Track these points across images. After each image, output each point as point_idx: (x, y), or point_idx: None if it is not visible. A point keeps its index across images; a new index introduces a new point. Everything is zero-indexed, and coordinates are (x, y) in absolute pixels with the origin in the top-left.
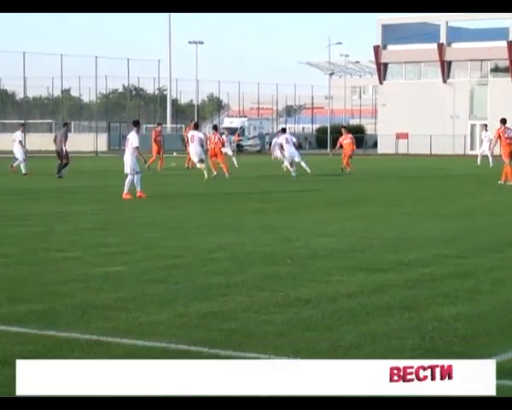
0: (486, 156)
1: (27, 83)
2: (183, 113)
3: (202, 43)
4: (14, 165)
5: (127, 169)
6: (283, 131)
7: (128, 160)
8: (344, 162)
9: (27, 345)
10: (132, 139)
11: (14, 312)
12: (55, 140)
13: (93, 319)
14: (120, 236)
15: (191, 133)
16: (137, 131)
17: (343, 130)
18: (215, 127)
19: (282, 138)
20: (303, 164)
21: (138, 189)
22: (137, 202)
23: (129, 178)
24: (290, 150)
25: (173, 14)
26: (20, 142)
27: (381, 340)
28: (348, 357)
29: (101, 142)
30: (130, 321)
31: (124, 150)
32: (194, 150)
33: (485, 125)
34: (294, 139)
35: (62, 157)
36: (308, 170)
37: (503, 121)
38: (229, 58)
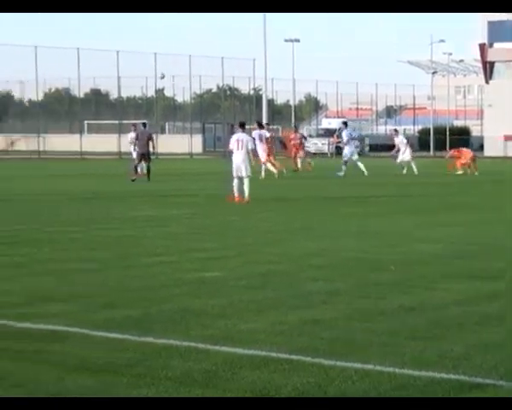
0: None
1: (121, 82)
2: (279, 113)
3: (299, 41)
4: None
5: (244, 172)
6: (345, 124)
7: (242, 162)
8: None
9: (127, 352)
10: (247, 141)
11: (110, 318)
12: (136, 140)
13: (191, 326)
14: (215, 240)
15: (257, 132)
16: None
17: None
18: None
19: (345, 133)
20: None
21: (246, 194)
22: (232, 205)
23: (247, 181)
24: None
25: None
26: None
27: (493, 350)
28: (457, 368)
29: (195, 143)
30: (229, 328)
31: (226, 152)
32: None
33: None
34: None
35: (147, 159)
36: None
37: None
38: (326, 57)
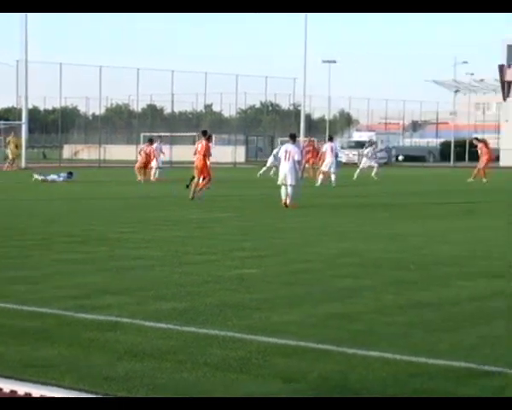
0: None
1: (174, 98)
2: (315, 127)
3: (335, 62)
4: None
5: (289, 181)
6: (330, 139)
7: (289, 171)
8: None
9: (170, 340)
10: (295, 152)
11: (158, 309)
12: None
13: (229, 317)
14: (255, 241)
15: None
16: (295, 143)
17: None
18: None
19: (327, 146)
20: (332, 176)
21: (288, 200)
22: (273, 209)
23: (291, 189)
24: (330, 160)
25: (309, 35)
26: (155, 151)
27: (501, 341)
28: (468, 358)
29: (239, 154)
30: (264, 320)
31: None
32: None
33: None
34: (338, 149)
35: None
36: (333, 183)
37: None
38: (359, 76)
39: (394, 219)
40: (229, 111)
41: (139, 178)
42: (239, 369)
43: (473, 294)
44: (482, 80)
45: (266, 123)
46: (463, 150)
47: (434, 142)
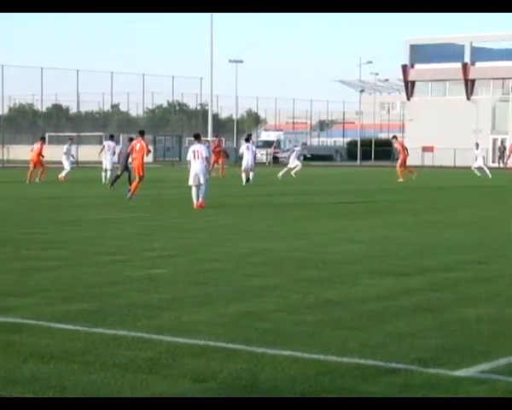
0: (482, 169)
1: (80, 98)
2: (223, 127)
3: (242, 62)
4: (62, 175)
5: (203, 179)
6: (247, 140)
7: (200, 170)
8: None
9: (78, 342)
10: (202, 150)
11: (66, 311)
12: (119, 154)
13: (138, 318)
14: (164, 241)
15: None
16: (201, 143)
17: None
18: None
19: (243, 147)
20: (243, 175)
21: (201, 199)
22: (182, 209)
23: (203, 188)
24: (248, 158)
25: (215, 35)
26: (66, 153)
27: (406, 339)
28: (375, 355)
29: None
30: (173, 320)
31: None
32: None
33: (477, 144)
34: (254, 149)
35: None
36: (243, 182)
37: None
38: (266, 76)
39: (303, 218)
40: (136, 111)
41: (36, 179)
42: (148, 370)
43: (380, 292)
44: (386, 80)
45: (174, 123)
46: (370, 149)
47: (341, 141)
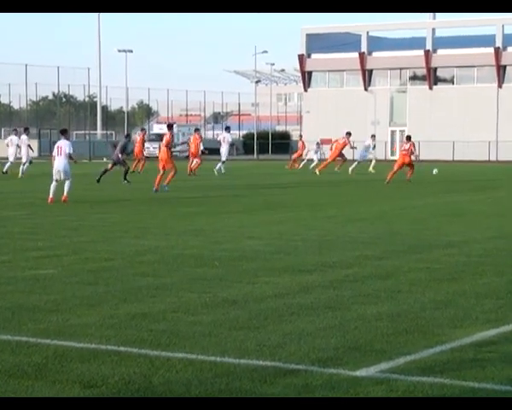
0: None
1: None
2: (113, 119)
3: (131, 51)
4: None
5: (64, 175)
6: (227, 129)
7: (63, 166)
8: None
9: None
10: (65, 147)
11: None
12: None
13: (23, 321)
14: (50, 240)
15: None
16: (68, 138)
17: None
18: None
19: (221, 136)
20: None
21: (65, 194)
22: (66, 206)
23: (67, 184)
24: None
25: (102, 23)
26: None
27: (306, 339)
28: (274, 356)
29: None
30: (61, 323)
31: (51, 157)
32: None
33: (374, 136)
34: (230, 139)
35: (121, 165)
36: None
37: (408, 138)
38: (158, 66)
39: (199, 213)
40: (19, 103)
41: None
42: (34, 375)
43: (278, 290)
44: (283, 70)
45: (61, 115)
46: (267, 143)
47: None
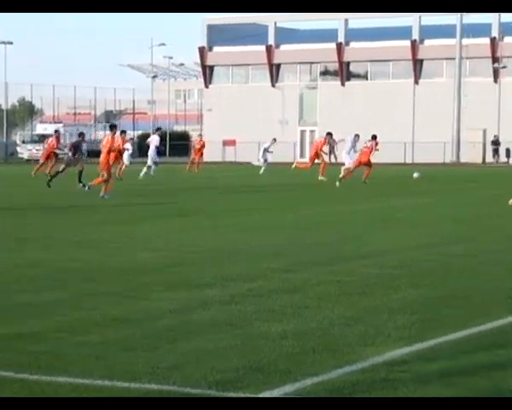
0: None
1: None
2: None
3: (12, 43)
4: None
5: None
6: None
7: None
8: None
9: None
10: None
11: None
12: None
13: None
14: None
15: None
16: None
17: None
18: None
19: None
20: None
21: None
22: None
23: None
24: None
25: None
26: None
27: (204, 359)
28: (168, 379)
29: None
30: None
31: None
32: None
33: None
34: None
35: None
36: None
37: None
38: (42, 59)
39: (90, 223)
40: None
41: None
42: None
43: (174, 306)
44: (182, 64)
45: None
46: (164, 144)
47: (132, 134)
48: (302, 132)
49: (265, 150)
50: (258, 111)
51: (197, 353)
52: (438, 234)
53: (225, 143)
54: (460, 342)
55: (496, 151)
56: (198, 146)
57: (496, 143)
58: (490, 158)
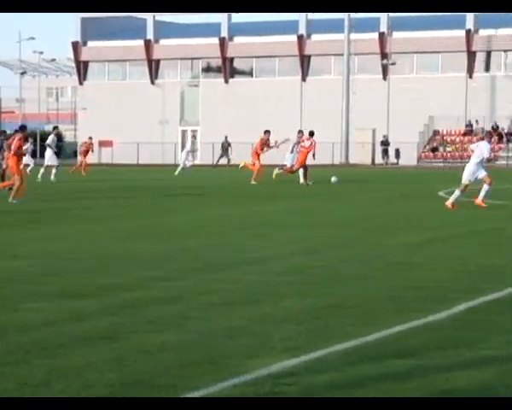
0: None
1: None
2: None
3: None
4: None
5: None
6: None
7: None
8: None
9: None
10: None
11: None
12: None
13: None
14: None
15: None
16: None
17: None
18: None
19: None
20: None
21: None
22: None
23: None
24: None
25: None
26: None
27: (76, 375)
28: (37, 396)
29: None
30: None
31: None
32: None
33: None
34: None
35: None
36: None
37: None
38: None
39: None
40: None
41: None
42: None
43: (45, 318)
44: (54, 60)
45: None
46: (35, 144)
47: None
48: (183, 132)
49: (188, 153)
50: (136, 110)
51: (68, 368)
52: (325, 238)
53: (101, 144)
54: (347, 352)
55: (385, 152)
56: (84, 148)
57: (385, 143)
58: (379, 159)
